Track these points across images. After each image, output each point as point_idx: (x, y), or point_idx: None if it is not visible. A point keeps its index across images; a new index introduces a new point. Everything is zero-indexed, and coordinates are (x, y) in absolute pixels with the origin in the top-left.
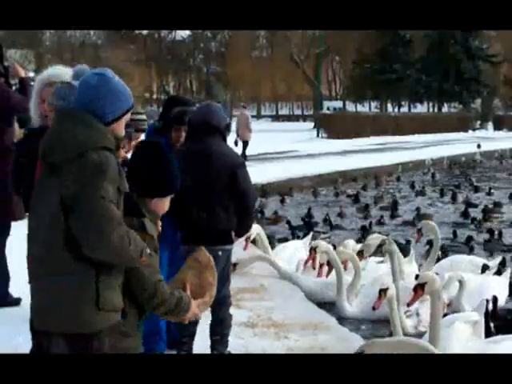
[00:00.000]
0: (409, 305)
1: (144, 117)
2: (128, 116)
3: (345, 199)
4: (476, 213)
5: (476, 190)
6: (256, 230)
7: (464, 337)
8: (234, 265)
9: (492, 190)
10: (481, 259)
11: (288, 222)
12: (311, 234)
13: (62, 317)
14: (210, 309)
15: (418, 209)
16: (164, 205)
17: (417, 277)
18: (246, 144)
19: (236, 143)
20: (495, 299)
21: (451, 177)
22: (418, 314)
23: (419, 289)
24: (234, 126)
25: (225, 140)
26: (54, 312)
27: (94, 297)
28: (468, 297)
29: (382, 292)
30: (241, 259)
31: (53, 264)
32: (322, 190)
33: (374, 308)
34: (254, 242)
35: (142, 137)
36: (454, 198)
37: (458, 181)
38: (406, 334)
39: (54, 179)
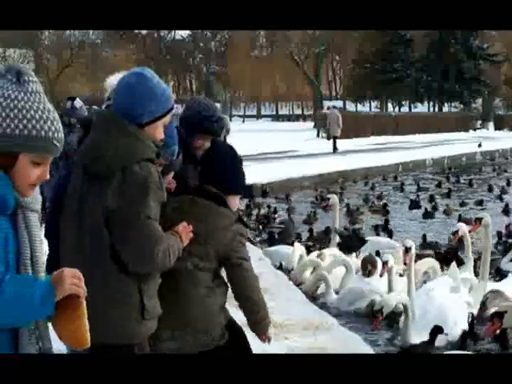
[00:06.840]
0: (486, 337)
1: None
2: (167, 119)
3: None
4: None
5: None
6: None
7: None
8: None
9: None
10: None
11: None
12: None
13: (108, 328)
14: None
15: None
16: (236, 201)
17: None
18: (335, 138)
19: (329, 138)
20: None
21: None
22: None
23: (496, 320)
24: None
25: None
26: (100, 323)
27: (139, 307)
28: None
29: None
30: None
31: (99, 274)
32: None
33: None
34: None
35: None
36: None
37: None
38: None
39: (96, 188)
